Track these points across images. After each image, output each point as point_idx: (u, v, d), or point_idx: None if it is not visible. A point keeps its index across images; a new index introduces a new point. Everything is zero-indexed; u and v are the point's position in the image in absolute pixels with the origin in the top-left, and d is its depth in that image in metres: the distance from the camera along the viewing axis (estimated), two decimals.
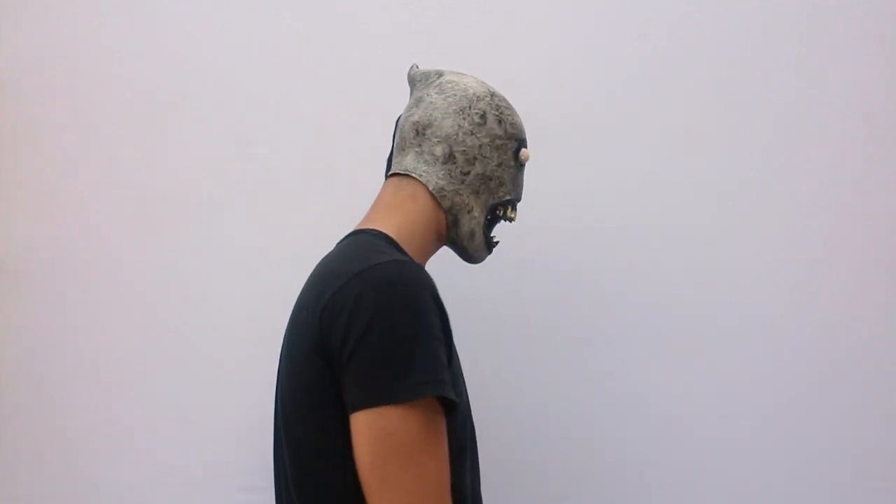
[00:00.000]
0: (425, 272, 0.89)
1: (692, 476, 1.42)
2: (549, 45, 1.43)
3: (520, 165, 1.08)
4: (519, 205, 1.09)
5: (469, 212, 1.03)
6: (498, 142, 1.04)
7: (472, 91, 1.05)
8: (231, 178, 1.44)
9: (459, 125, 1.02)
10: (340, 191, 1.43)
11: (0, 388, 1.46)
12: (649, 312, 1.42)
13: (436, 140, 1.02)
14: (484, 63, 1.42)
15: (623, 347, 1.42)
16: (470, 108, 1.03)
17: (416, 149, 1.03)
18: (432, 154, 1.02)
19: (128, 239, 1.44)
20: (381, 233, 0.97)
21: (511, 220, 1.09)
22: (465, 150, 1.02)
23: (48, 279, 1.45)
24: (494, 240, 1.09)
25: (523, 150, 1.07)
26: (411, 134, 1.04)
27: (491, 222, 1.07)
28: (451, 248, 1.08)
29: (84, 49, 1.45)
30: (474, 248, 1.06)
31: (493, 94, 1.06)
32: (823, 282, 1.42)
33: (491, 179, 1.04)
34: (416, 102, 1.06)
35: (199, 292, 1.43)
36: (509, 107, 1.07)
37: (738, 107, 1.43)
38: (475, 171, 1.03)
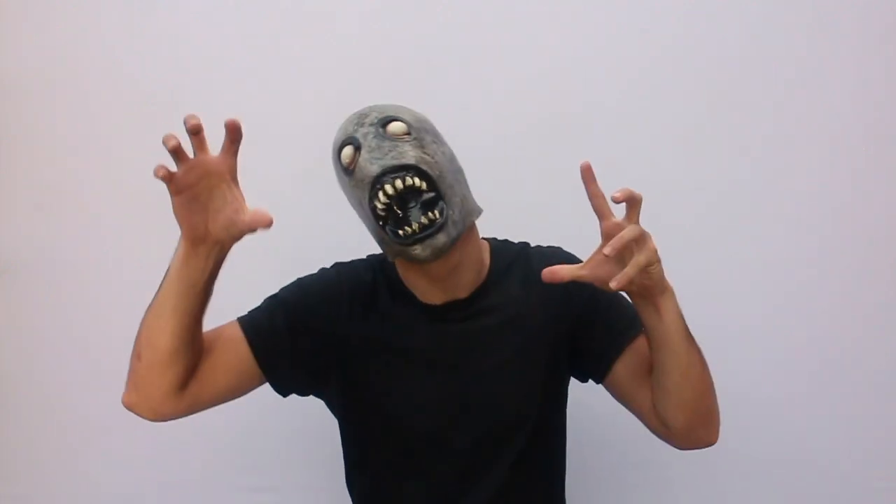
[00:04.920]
0: (327, 274, 1.10)
1: (693, 476, 1.42)
2: (548, 46, 1.43)
3: (345, 170, 1.00)
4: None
5: None
6: (334, 162, 1.04)
7: None
8: None
9: None
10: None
11: (0, 387, 1.46)
12: None
13: None
14: (484, 64, 1.42)
15: None
16: None
17: None
18: None
19: (128, 239, 1.44)
20: None
21: (384, 207, 0.95)
22: None
23: (48, 279, 1.45)
24: (413, 250, 0.96)
25: (343, 152, 1.00)
26: None
27: (387, 237, 0.98)
28: None
29: (84, 49, 1.44)
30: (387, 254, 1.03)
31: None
32: (825, 282, 1.42)
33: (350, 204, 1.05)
34: None
35: None
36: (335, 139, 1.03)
37: (739, 108, 1.43)
38: None
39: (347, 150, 0.99)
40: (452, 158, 1.03)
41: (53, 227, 1.45)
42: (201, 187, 0.89)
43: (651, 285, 0.90)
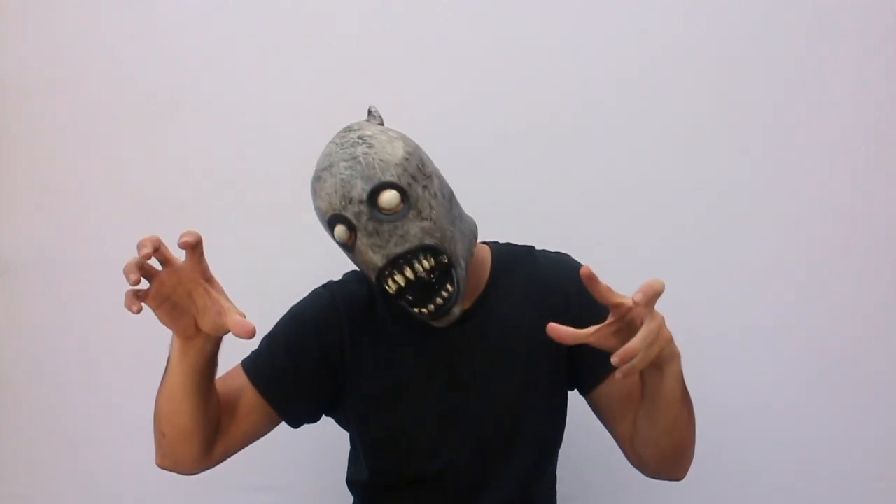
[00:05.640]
0: (321, 298, 1.07)
1: (691, 476, 1.41)
2: (548, 46, 1.43)
3: (342, 245, 0.96)
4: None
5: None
6: (324, 227, 0.98)
7: None
8: (231, 178, 1.44)
9: None
10: None
11: (0, 387, 1.46)
12: None
13: None
14: (484, 64, 1.42)
15: None
16: None
17: None
18: None
19: (128, 239, 1.43)
20: None
21: (395, 291, 0.93)
22: None
23: (48, 279, 1.45)
24: (431, 321, 0.96)
25: (335, 229, 0.94)
26: None
27: (398, 295, 0.95)
28: None
29: (84, 49, 1.44)
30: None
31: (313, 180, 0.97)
32: (826, 282, 1.42)
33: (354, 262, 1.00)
34: None
35: None
36: (314, 191, 0.96)
37: (739, 108, 1.42)
38: None
39: (341, 230, 0.94)
40: (441, 190, 0.97)
41: (53, 227, 1.45)
42: (179, 294, 0.88)
43: (658, 360, 0.86)
